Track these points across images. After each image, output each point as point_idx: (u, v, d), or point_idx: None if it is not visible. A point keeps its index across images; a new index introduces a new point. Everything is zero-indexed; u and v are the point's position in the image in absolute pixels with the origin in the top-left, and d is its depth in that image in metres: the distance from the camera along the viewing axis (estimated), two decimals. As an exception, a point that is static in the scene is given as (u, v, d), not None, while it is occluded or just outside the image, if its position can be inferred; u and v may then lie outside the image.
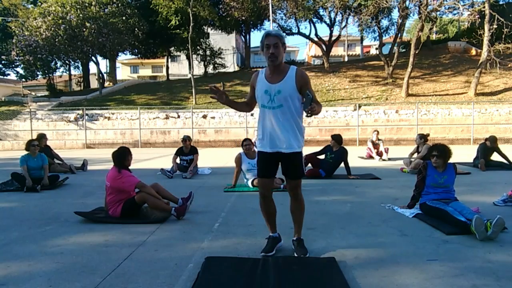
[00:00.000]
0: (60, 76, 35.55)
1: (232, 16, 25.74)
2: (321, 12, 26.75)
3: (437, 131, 16.07)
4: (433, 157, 4.01)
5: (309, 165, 7.09)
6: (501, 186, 5.71)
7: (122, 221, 4.00)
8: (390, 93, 21.07)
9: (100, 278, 2.55)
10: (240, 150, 6.19)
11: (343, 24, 27.66)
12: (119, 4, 23.22)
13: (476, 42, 21.11)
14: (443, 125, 16.86)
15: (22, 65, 27.23)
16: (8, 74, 39.38)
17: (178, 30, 25.25)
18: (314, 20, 27.22)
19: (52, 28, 21.30)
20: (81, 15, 21.45)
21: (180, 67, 40.38)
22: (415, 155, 8.13)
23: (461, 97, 19.46)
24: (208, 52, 31.20)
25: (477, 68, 19.40)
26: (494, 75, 20.88)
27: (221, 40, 34.14)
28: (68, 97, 24.70)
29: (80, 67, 33.10)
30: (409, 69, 19.76)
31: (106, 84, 31.44)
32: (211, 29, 29.44)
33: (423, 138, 8.07)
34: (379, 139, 10.24)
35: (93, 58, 25.77)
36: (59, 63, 29.47)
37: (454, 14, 24.65)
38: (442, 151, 3.99)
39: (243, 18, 26.08)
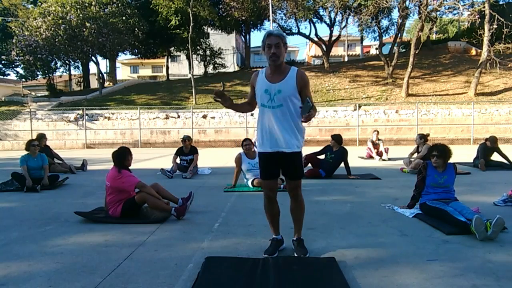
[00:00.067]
0: (60, 76, 35.54)
1: (232, 16, 25.75)
2: (321, 12, 26.80)
3: (437, 131, 16.07)
4: (433, 157, 4.01)
5: (309, 165, 7.10)
6: (501, 186, 5.71)
7: (122, 221, 3.99)
8: (390, 93, 21.07)
9: (100, 278, 2.55)
10: (240, 150, 6.19)
11: (343, 24, 27.72)
12: (119, 4, 23.22)
13: (476, 42, 21.10)
14: (443, 125, 16.86)
15: (22, 65, 27.22)
16: (8, 74, 39.46)
17: (178, 30, 25.26)
18: (314, 20, 27.25)
19: (52, 28, 21.30)
20: (81, 15, 21.46)
21: (180, 67, 40.39)
22: (415, 155, 8.12)
23: (461, 97, 19.46)
24: (208, 52, 31.21)
25: (477, 68, 19.40)
26: (494, 75, 20.88)
27: (221, 40, 34.15)
28: (68, 97, 24.71)
29: (80, 67, 33.10)
30: (409, 69, 19.76)
31: (106, 84, 31.45)
32: (211, 29, 29.45)
33: (423, 138, 8.07)
34: (379, 139, 10.24)
35: (93, 58, 25.77)
36: (59, 63, 29.45)
37: (454, 14, 24.66)
38: (442, 151, 3.99)
39: (243, 18, 26.09)
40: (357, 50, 41.48)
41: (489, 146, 7.95)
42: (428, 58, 25.76)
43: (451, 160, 4.09)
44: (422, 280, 2.44)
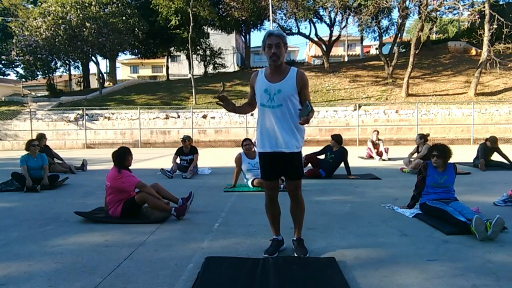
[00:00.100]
0: (60, 76, 35.55)
1: (232, 16, 25.75)
2: (321, 12, 26.80)
3: (437, 131, 16.07)
4: (433, 157, 4.01)
5: (309, 165, 7.10)
6: (501, 186, 5.71)
7: (122, 221, 3.99)
8: (390, 93, 21.07)
9: (100, 278, 2.55)
10: (240, 150, 6.19)
11: (343, 24, 27.71)
12: (119, 4, 23.22)
13: (476, 42, 21.09)
14: (443, 125, 16.86)
15: (22, 65, 27.22)
16: (8, 74, 39.44)
17: (178, 30, 25.25)
18: (314, 20, 27.25)
19: (52, 28, 21.30)
20: (81, 15, 21.45)
21: (180, 67, 40.39)
22: (415, 155, 8.13)
23: (461, 97, 19.46)
24: (208, 52, 31.20)
25: (477, 68, 19.40)
26: (494, 75, 20.89)
27: (221, 40, 34.15)
28: (68, 97, 24.70)
29: (80, 67, 33.10)
30: (409, 69, 19.76)
31: (106, 84, 31.44)
32: (211, 29, 29.44)
33: (423, 138, 8.07)
34: (379, 139, 10.24)
35: (93, 58, 25.76)
36: (59, 63, 29.46)
37: (454, 14, 24.66)
38: (442, 151, 3.99)
39: (243, 18, 26.08)
40: (357, 50, 41.48)
41: (489, 146, 7.95)
42: (428, 58, 25.76)
43: (451, 160, 4.09)
44: (422, 280, 2.44)
